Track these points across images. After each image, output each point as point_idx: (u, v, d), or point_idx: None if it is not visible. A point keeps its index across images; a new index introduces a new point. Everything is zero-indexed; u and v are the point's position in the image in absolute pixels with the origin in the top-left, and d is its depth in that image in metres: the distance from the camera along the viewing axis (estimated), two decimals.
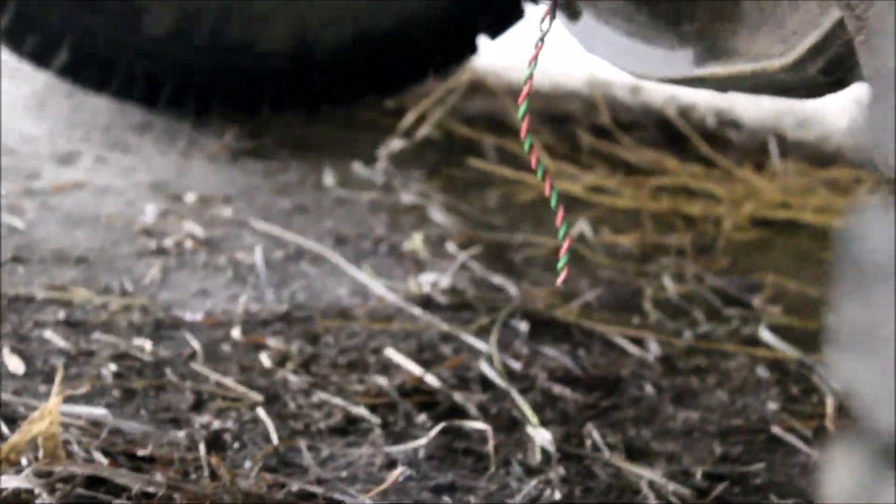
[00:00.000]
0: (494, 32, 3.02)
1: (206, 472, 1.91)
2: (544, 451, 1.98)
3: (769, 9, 1.62)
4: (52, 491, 1.80)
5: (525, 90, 1.56)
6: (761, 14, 1.64)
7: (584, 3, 1.82)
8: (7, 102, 3.13)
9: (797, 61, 1.55)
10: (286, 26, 2.89)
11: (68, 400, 1.99)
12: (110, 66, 2.90)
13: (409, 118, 3.07)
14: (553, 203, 1.52)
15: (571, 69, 2.81)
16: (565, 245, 1.71)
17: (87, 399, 2.04)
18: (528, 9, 2.95)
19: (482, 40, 3.19)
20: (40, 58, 3.00)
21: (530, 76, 1.62)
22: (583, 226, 2.87)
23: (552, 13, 1.66)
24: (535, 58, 1.67)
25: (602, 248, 2.81)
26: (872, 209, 0.59)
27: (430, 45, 3.01)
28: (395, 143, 2.97)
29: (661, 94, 3.45)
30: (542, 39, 1.66)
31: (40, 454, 1.85)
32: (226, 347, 2.22)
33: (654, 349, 2.44)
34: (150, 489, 1.84)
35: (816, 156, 3.35)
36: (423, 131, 3.06)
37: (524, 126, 1.57)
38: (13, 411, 1.96)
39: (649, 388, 2.36)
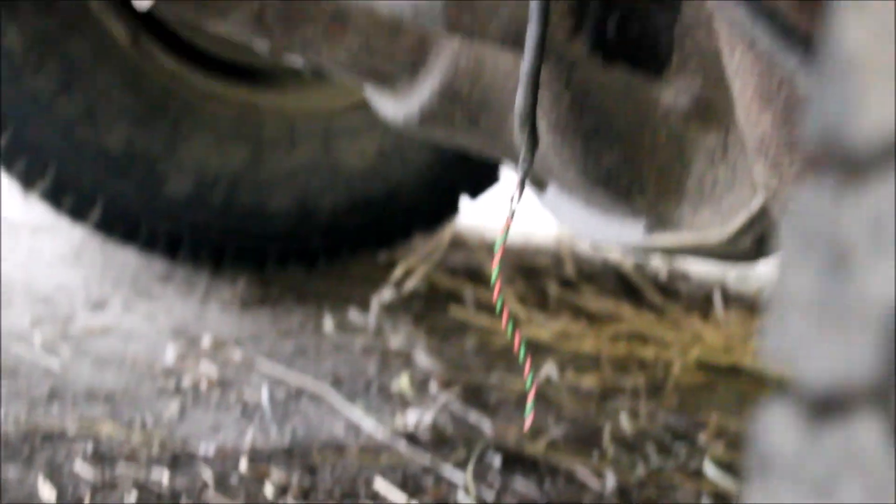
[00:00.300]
0: (474, 194, 3.12)
1: None
2: None
3: (709, 189, 1.72)
4: None
5: (497, 256, 1.60)
6: (702, 193, 1.72)
7: (549, 178, 1.91)
8: (48, 254, 3.28)
9: (732, 235, 1.70)
10: (290, 193, 3.00)
11: None
12: (137, 223, 2.97)
13: (399, 271, 3.17)
14: (521, 358, 1.68)
15: (541, 227, 2.98)
16: (531, 392, 1.86)
17: None
18: (503, 173, 3.12)
19: (463, 201, 3.17)
20: (77, 214, 3.01)
21: (503, 243, 1.74)
22: (550, 368, 2.93)
23: (521, 188, 1.71)
24: (507, 228, 1.70)
25: (566, 389, 2.84)
26: (774, 411, 0.62)
27: (416, 207, 3.11)
28: (386, 294, 3.05)
29: (619, 250, 3.60)
30: (512, 213, 1.71)
31: None
32: (234, 479, 2.25)
33: (611, 482, 2.48)
34: None
35: (755, 307, 3.48)
36: (411, 283, 3.16)
37: (496, 288, 1.73)
38: None
39: None
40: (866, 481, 0.56)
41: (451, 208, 3.26)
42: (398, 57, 1.81)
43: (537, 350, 2.98)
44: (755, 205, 1.68)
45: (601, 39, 1.70)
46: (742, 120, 1.47)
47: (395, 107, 1.89)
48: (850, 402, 0.56)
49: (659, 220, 1.80)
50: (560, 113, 1.74)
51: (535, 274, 3.50)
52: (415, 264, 3.25)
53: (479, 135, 1.85)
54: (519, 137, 1.66)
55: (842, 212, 0.57)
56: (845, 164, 0.56)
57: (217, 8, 1.77)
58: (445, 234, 3.42)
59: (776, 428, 0.60)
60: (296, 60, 1.92)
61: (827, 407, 0.57)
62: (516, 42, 1.72)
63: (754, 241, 1.71)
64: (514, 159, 1.70)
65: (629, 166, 1.79)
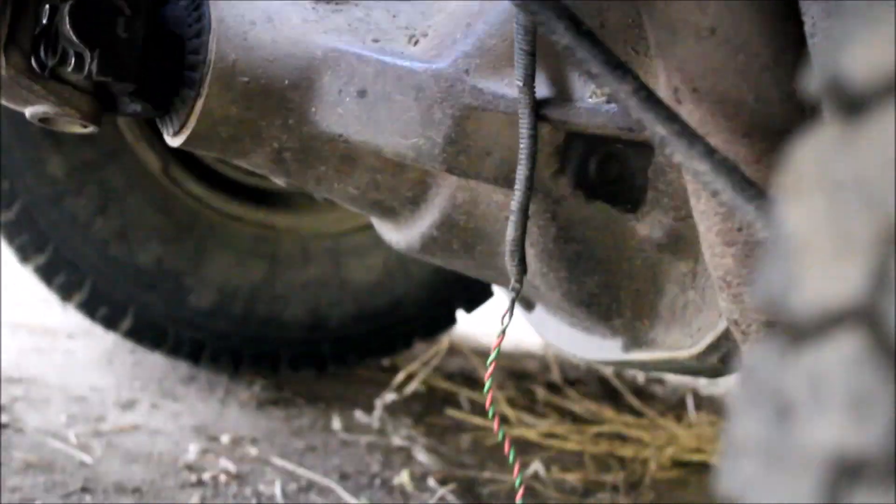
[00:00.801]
0: (469, 308, 3.21)
1: None
2: None
3: (680, 312, 1.78)
4: None
5: (490, 370, 1.71)
6: (674, 315, 1.80)
7: (536, 300, 1.99)
8: (82, 357, 3.35)
9: (700, 353, 1.77)
10: (302, 304, 3.08)
11: None
12: (164, 331, 3.04)
13: (400, 376, 3.20)
14: (511, 458, 1.75)
15: (530, 334, 3.08)
16: (520, 491, 1.95)
17: None
18: (496, 290, 3.23)
19: (459, 313, 3.28)
20: (110, 323, 3.07)
21: (494, 359, 1.82)
22: (537, 465, 2.96)
23: (511, 310, 1.75)
24: (498, 345, 1.77)
25: (552, 484, 2.87)
26: None
27: (417, 318, 3.19)
28: (388, 396, 3.08)
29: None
30: (503, 332, 1.76)
31: None
32: None
33: None
34: None
35: (724, 409, 3.55)
36: (411, 386, 3.19)
37: (489, 397, 1.82)
38: None
39: None
40: None
41: (449, 319, 3.32)
42: (402, 192, 1.86)
43: (526, 448, 3.05)
44: (721, 327, 1.73)
45: (583, 179, 1.74)
46: (707, 256, 1.53)
47: (398, 235, 1.95)
48: None
49: (634, 339, 1.86)
50: (546, 243, 1.79)
51: (523, 378, 3.55)
52: (415, 369, 3.27)
53: (474, 260, 1.91)
54: (509, 264, 1.69)
55: (786, 369, 0.59)
56: (789, 329, 0.59)
57: (240, 149, 1.85)
58: (443, 342, 3.44)
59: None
60: (317, 191, 2.02)
61: None
62: (507, 180, 1.72)
63: (720, 358, 1.79)
64: (505, 283, 1.75)
65: (608, 291, 1.85)
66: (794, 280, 0.59)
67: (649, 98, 1.22)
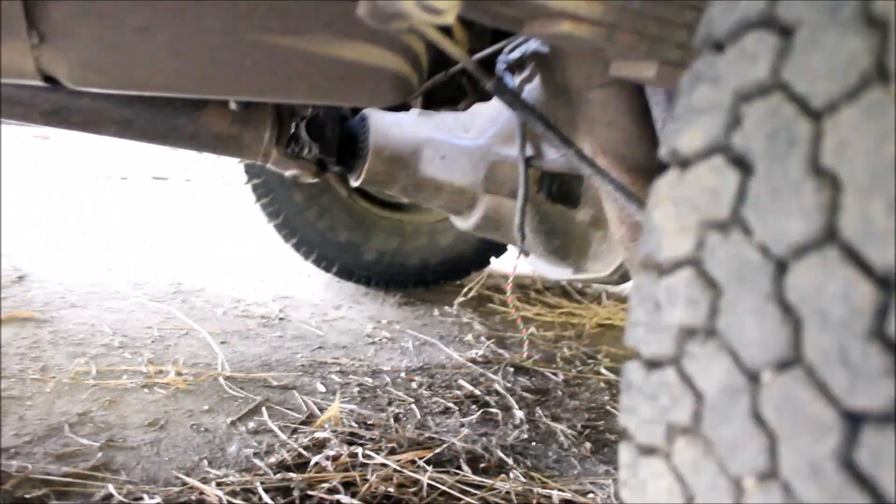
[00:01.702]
0: (496, 255, 3.28)
1: None
2: None
3: (600, 254, 1.84)
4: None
5: (509, 285, 1.90)
6: (596, 256, 1.84)
7: (530, 251, 2.00)
8: (315, 285, 3.33)
9: (609, 274, 1.81)
10: (417, 256, 3.20)
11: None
12: (352, 272, 3.20)
13: (465, 289, 3.15)
14: (521, 325, 1.79)
15: (527, 267, 3.02)
16: (526, 343, 1.97)
17: None
18: (510, 247, 3.24)
19: (492, 259, 3.32)
20: (327, 268, 3.22)
21: (511, 280, 1.94)
22: (532, 329, 2.98)
23: (518, 256, 1.86)
24: (513, 272, 1.96)
25: (539, 337, 2.95)
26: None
27: (472, 260, 3.29)
28: (460, 298, 3.13)
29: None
30: (515, 266, 1.91)
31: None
32: (399, 380, 2.26)
33: (560, 377, 2.42)
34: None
35: (624, 299, 3.52)
36: (471, 294, 3.15)
37: (509, 297, 1.88)
38: None
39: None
40: None
41: (487, 261, 3.29)
42: (464, 203, 1.92)
43: (526, 320, 3.15)
44: (618, 261, 1.78)
45: (550, 192, 1.79)
46: (612, 228, 1.57)
47: (462, 223, 2.01)
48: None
49: (577, 268, 1.92)
50: (534, 224, 1.85)
51: (524, 287, 3.59)
52: (472, 285, 3.20)
53: (500, 234, 1.96)
54: (517, 235, 1.77)
55: (656, 286, 0.56)
56: (656, 268, 0.56)
57: (385, 186, 1.93)
58: (485, 272, 3.37)
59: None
60: (422, 204, 2.06)
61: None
62: (513, 195, 1.81)
63: (619, 276, 1.82)
64: (515, 244, 1.82)
65: (564, 246, 1.90)
66: (658, 244, 0.57)
67: (580, 155, 1.21)
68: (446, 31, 1.29)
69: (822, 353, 0.42)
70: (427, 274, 3.28)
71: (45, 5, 1.00)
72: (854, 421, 0.40)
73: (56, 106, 1.62)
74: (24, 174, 5.49)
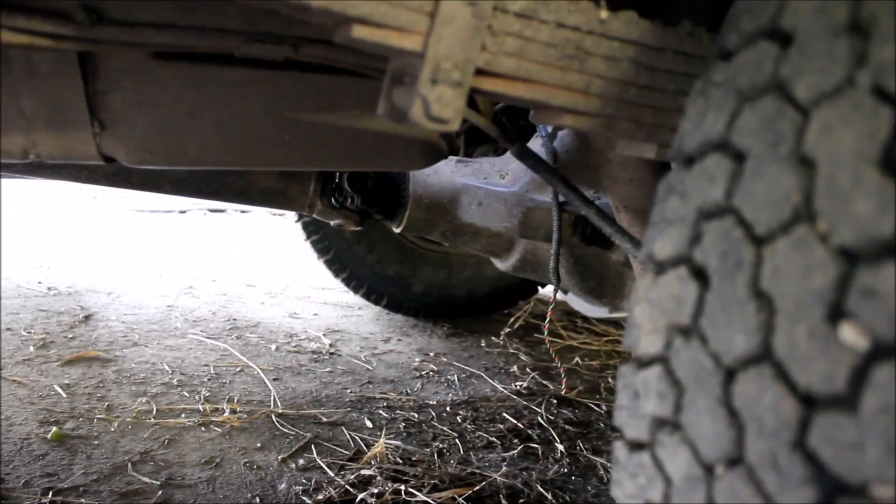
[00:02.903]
0: (543, 286, 3.32)
1: None
2: None
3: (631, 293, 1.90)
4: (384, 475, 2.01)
5: (548, 315, 1.92)
6: (629, 295, 1.94)
7: (569, 289, 2.07)
8: (365, 319, 3.44)
9: None
10: (464, 287, 3.27)
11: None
12: (401, 304, 3.32)
13: (513, 318, 3.25)
14: (559, 363, 1.83)
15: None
16: (564, 378, 1.99)
17: None
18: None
19: (539, 289, 3.37)
20: (376, 302, 3.34)
21: (549, 321, 2.01)
22: (577, 358, 3.06)
23: (555, 296, 1.88)
24: (552, 312, 2.01)
25: (584, 367, 2.99)
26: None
27: (518, 291, 3.34)
28: (506, 329, 3.20)
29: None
30: (553, 304, 1.96)
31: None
32: (444, 414, 2.37)
33: (604, 408, 2.49)
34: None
35: None
36: (518, 323, 3.28)
37: (546, 338, 1.96)
38: None
39: None
40: None
41: (534, 290, 3.37)
42: (501, 246, 1.99)
43: (571, 349, 3.29)
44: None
45: (584, 235, 1.85)
46: (635, 268, 1.64)
47: (501, 264, 2.08)
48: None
49: (613, 307, 1.99)
50: (569, 266, 1.91)
51: (571, 314, 3.60)
52: (519, 314, 3.26)
53: (538, 275, 2.03)
54: (552, 277, 1.83)
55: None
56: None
57: (426, 232, 2.02)
58: (532, 300, 3.41)
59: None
60: (462, 248, 2.15)
61: None
62: (548, 238, 1.87)
63: None
64: (552, 284, 1.89)
65: (600, 286, 1.97)
66: (637, 339, 0.62)
67: (600, 214, 1.27)
68: (471, 100, 1.36)
69: (758, 455, 0.47)
70: (474, 304, 3.33)
71: (105, 98, 1.11)
72: None
73: (118, 169, 1.74)
74: (85, 211, 5.78)
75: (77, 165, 1.74)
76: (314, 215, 1.93)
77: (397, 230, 1.99)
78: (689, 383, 0.55)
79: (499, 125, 1.65)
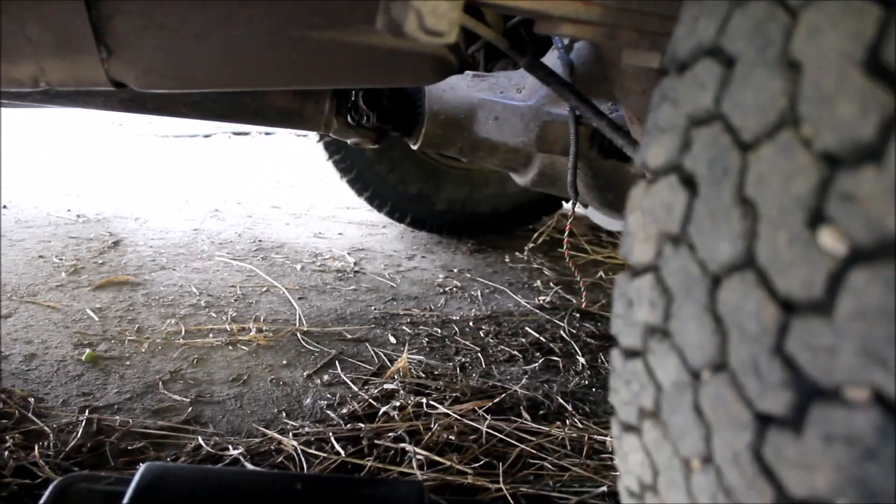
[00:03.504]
0: (566, 200, 3.29)
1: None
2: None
3: None
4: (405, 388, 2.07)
5: (567, 229, 1.93)
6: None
7: (588, 203, 2.08)
8: (389, 236, 3.47)
9: None
10: (488, 204, 3.27)
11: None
12: (424, 221, 3.33)
13: (536, 234, 3.19)
14: (572, 268, 1.85)
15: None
16: (584, 293, 2.01)
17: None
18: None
19: (562, 203, 3.35)
20: (400, 220, 3.36)
21: (570, 224, 1.99)
22: (601, 272, 3.04)
23: (573, 208, 1.93)
24: (571, 218, 2.00)
25: (608, 281, 2.98)
26: None
27: (541, 206, 3.32)
28: (530, 244, 3.20)
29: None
30: (573, 214, 1.96)
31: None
32: (467, 329, 2.35)
33: None
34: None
35: None
36: (541, 239, 3.20)
37: (565, 240, 1.95)
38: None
39: None
40: None
41: (559, 205, 3.36)
42: (519, 161, 1.98)
43: (596, 263, 3.27)
44: None
45: (602, 148, 1.83)
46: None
47: (520, 179, 2.07)
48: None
49: None
50: (587, 180, 1.90)
51: (596, 228, 3.58)
52: (543, 229, 3.28)
53: (557, 189, 2.02)
54: (570, 191, 1.82)
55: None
56: (631, 270, 0.62)
57: (443, 147, 2.00)
58: (554, 216, 3.42)
59: None
60: (480, 164, 2.13)
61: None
62: (566, 152, 1.85)
63: None
64: (570, 198, 1.87)
65: (618, 199, 1.96)
66: (630, 248, 0.62)
67: (611, 124, 1.26)
68: (478, 12, 1.33)
69: (740, 361, 0.48)
70: (498, 220, 3.33)
71: (110, 22, 1.10)
72: (763, 421, 0.46)
73: (132, 95, 1.75)
74: (110, 138, 5.82)
75: (92, 92, 1.75)
76: (331, 134, 1.94)
77: (415, 147, 1.99)
78: (678, 291, 0.55)
79: (516, 38, 1.63)
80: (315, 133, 3.17)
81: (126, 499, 1.00)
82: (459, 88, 2.01)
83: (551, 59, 1.98)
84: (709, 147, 0.54)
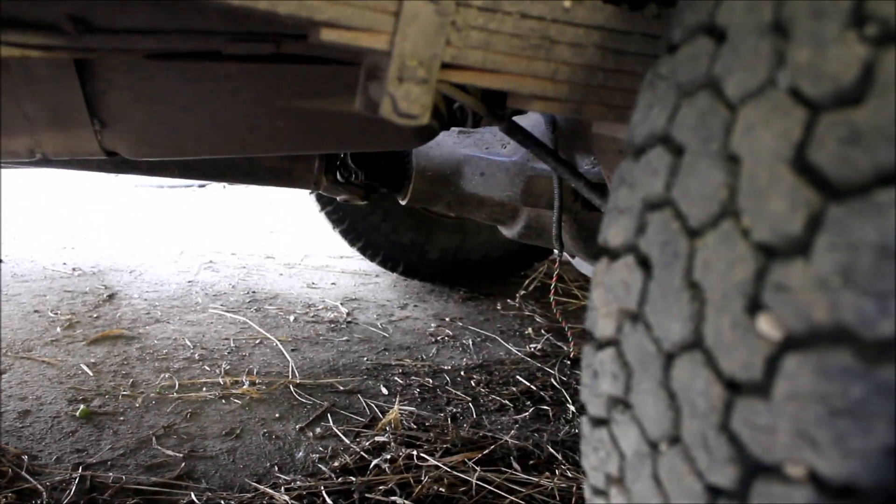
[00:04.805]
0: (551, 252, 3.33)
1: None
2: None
3: None
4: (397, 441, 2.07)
5: (554, 279, 1.96)
6: None
7: (575, 254, 2.11)
8: (381, 286, 3.49)
9: None
10: (480, 252, 3.30)
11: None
12: (417, 270, 3.34)
13: (527, 281, 3.32)
14: (565, 325, 1.85)
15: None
16: (572, 343, 2.01)
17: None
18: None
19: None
20: (393, 269, 3.40)
21: (554, 284, 2.02)
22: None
23: (559, 259, 2.00)
24: (557, 275, 2.05)
25: None
26: None
27: (533, 253, 3.35)
28: (521, 291, 3.23)
29: None
30: (557, 268, 2.00)
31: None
32: (458, 378, 2.35)
33: None
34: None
35: None
36: (532, 285, 3.33)
37: (552, 291, 1.98)
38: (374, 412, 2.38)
39: None
40: None
41: (549, 252, 3.36)
42: (506, 215, 2.02)
43: (586, 309, 3.12)
44: None
45: (586, 201, 1.87)
46: None
47: (507, 232, 2.12)
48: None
49: None
50: (572, 232, 1.94)
51: (586, 278, 3.56)
52: (534, 276, 3.32)
53: (543, 241, 2.06)
54: (556, 243, 1.85)
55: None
56: (595, 343, 0.65)
57: (430, 203, 2.05)
58: (546, 261, 3.44)
59: None
60: (467, 217, 2.18)
61: None
62: (551, 205, 1.90)
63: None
64: (556, 250, 1.91)
65: None
66: (595, 322, 0.66)
67: (588, 184, 1.29)
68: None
69: (692, 436, 0.51)
70: (490, 268, 3.35)
71: (103, 97, 1.15)
72: (713, 493, 0.49)
73: (125, 159, 1.80)
74: (105, 189, 5.88)
75: (87, 161, 1.80)
76: (321, 191, 1.98)
77: (403, 202, 2.03)
78: (637, 366, 0.59)
79: (495, 101, 1.68)
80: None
81: None
82: (445, 145, 2.06)
83: (535, 115, 2.04)
84: (661, 231, 0.58)
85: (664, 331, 0.55)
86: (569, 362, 2.56)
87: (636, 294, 0.59)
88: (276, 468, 1.78)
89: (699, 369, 0.51)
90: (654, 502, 0.55)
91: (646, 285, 0.58)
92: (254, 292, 3.18)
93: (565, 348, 2.67)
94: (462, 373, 2.40)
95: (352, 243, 3.27)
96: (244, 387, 2.19)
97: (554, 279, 2.01)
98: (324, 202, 3.24)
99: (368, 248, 3.26)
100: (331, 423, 2.01)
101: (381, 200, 3.20)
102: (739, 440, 0.47)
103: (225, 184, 6.44)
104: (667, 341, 0.54)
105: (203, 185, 6.09)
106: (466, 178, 1.97)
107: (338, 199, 2.00)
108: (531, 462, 1.86)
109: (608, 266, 0.64)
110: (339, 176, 1.94)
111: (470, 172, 1.97)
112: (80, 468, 1.71)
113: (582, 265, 2.26)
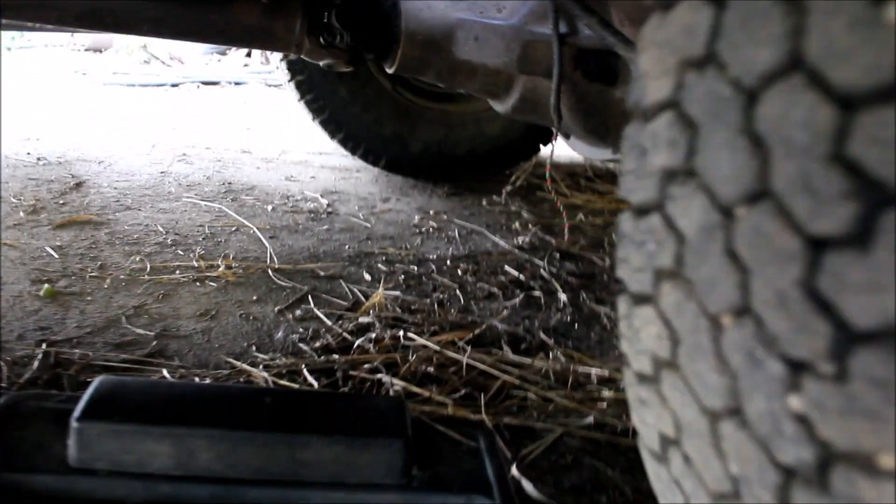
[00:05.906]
0: (544, 143, 3.21)
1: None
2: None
3: None
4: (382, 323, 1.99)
5: (548, 167, 1.84)
6: (619, 135, 1.88)
7: (570, 132, 1.99)
8: (363, 180, 3.36)
9: None
10: (465, 146, 3.19)
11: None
12: (400, 164, 3.22)
13: (514, 177, 3.21)
14: (561, 208, 1.77)
15: (575, 155, 2.99)
16: (566, 224, 1.93)
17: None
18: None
19: (540, 147, 3.27)
20: (374, 162, 3.29)
21: (550, 161, 1.90)
22: (580, 216, 2.98)
23: (555, 137, 1.84)
24: (552, 152, 1.91)
25: (588, 224, 2.91)
26: None
27: (520, 149, 3.24)
28: (508, 187, 3.13)
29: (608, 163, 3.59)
30: (553, 146, 1.88)
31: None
32: (444, 268, 2.29)
33: (608, 261, 2.46)
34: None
35: None
36: (519, 182, 3.22)
37: (548, 180, 1.87)
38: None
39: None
40: None
41: (536, 149, 3.25)
42: (500, 85, 1.88)
43: (575, 207, 3.12)
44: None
45: (587, 70, 1.73)
46: None
47: (500, 106, 1.97)
48: None
49: (616, 148, 1.87)
50: (571, 104, 1.80)
51: (574, 174, 3.54)
52: (520, 173, 3.21)
53: (538, 115, 1.92)
54: (553, 116, 1.72)
55: (643, 131, 0.56)
56: (642, 117, 0.56)
57: (419, 71, 1.88)
58: (533, 160, 3.33)
59: None
60: (458, 89, 2.03)
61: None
62: (548, 74, 1.75)
63: None
64: (553, 126, 1.78)
65: (603, 126, 1.85)
66: (643, 91, 0.55)
67: (604, 24, 1.17)
68: None
69: (787, 181, 0.41)
70: (475, 163, 3.26)
71: None
72: (817, 247, 0.39)
73: (89, 8, 1.63)
74: (74, 86, 5.61)
75: (46, 5, 1.63)
76: (302, 55, 1.83)
77: (391, 70, 1.88)
78: (704, 121, 0.47)
79: None
80: (287, 72, 3.06)
81: (78, 411, 0.90)
82: (437, 8, 1.90)
83: None
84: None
85: (746, 64, 0.43)
86: (558, 255, 2.47)
87: (704, 34, 0.46)
88: (255, 348, 1.70)
89: (798, 95, 0.39)
90: (727, 280, 0.45)
91: (717, 19, 0.46)
92: (230, 183, 3.05)
93: (554, 242, 2.62)
94: (448, 262, 2.35)
95: (332, 135, 3.17)
96: (220, 270, 2.09)
97: (550, 156, 1.90)
98: (303, 90, 3.08)
99: (349, 140, 3.15)
100: (312, 306, 1.92)
101: (361, 89, 3.08)
102: (862, 167, 0.37)
103: (201, 78, 6.22)
104: (749, 76, 0.43)
105: (176, 85, 5.84)
106: (459, 43, 1.82)
107: (321, 64, 1.85)
108: (523, 346, 1.80)
109: (661, 20, 0.53)
110: (322, 39, 1.79)
111: (463, 37, 1.82)
112: (44, 345, 1.60)
113: (577, 145, 2.13)
